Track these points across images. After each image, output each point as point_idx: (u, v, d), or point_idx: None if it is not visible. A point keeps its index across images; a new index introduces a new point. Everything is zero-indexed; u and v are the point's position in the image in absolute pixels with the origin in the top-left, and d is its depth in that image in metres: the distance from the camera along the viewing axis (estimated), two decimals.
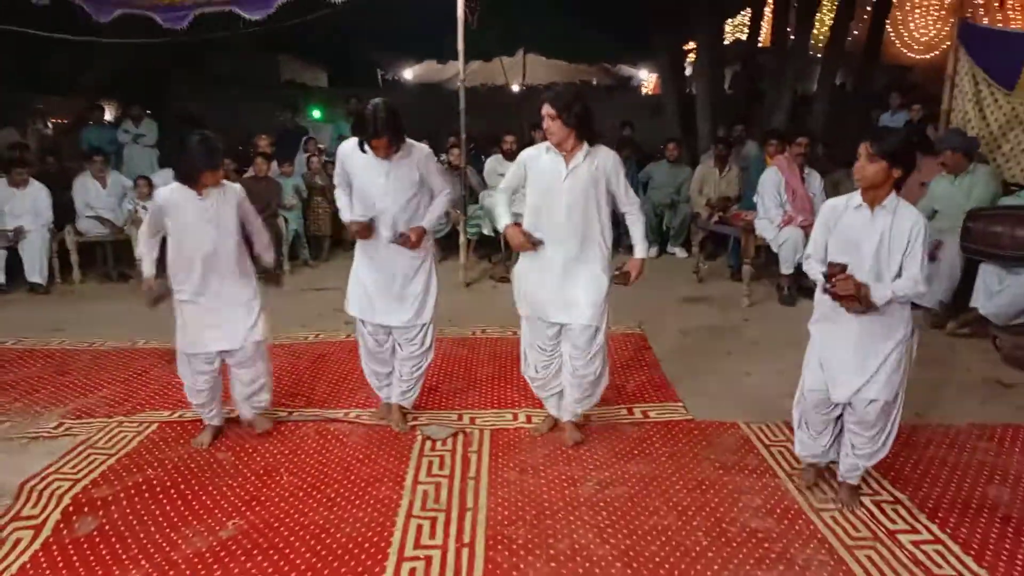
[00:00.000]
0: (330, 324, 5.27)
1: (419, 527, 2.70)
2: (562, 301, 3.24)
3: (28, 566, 2.46)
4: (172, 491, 2.97)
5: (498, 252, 7.43)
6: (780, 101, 9.40)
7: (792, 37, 10.29)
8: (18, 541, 2.59)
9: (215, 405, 3.45)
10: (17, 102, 9.78)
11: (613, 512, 2.79)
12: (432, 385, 4.11)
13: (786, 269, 5.68)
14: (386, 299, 3.44)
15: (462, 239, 6.69)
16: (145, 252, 3.29)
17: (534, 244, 3.21)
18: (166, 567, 2.46)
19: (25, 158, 7.15)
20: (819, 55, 12.09)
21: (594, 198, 3.17)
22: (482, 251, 7.58)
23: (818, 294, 2.79)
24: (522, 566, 2.46)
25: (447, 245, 7.51)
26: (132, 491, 2.96)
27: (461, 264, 6.67)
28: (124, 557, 2.52)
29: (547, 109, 3.07)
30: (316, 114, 12.31)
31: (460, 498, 2.90)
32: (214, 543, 2.60)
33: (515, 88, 14.26)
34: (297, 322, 5.31)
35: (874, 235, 2.58)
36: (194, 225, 3.19)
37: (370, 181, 3.29)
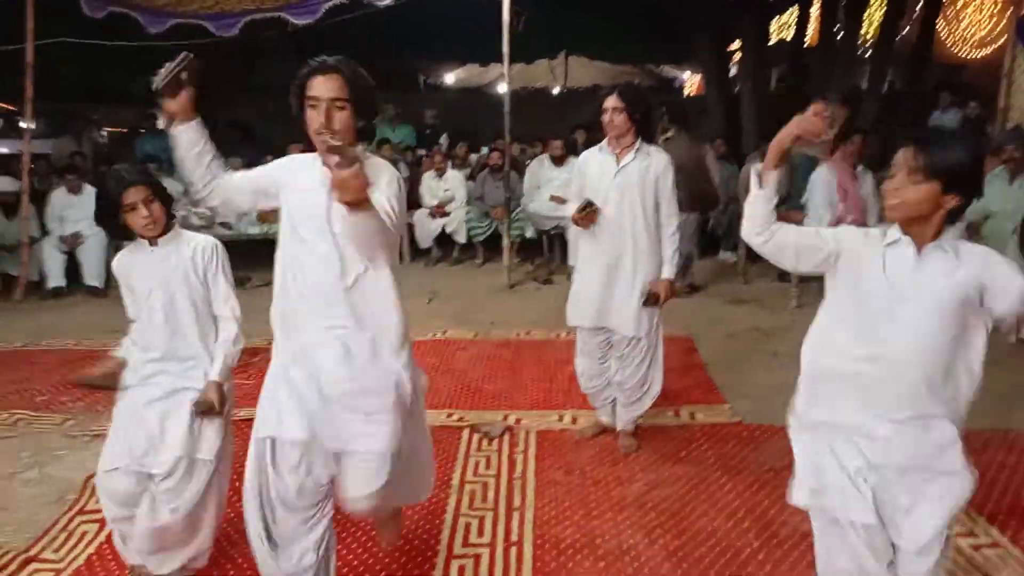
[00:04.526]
0: None
1: (467, 525, 2.73)
2: (606, 307, 3.22)
3: (94, 558, 2.56)
4: None
5: (540, 255, 7.45)
6: (829, 101, 9.23)
7: (840, 36, 10.11)
8: (84, 533, 2.70)
9: None
10: (74, 112, 10.14)
11: (661, 513, 2.78)
12: (477, 386, 4.15)
13: None
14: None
15: (505, 241, 6.72)
16: None
17: (593, 212, 3.15)
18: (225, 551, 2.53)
19: (76, 164, 7.40)
20: (867, 54, 11.86)
21: (642, 198, 3.15)
22: (524, 254, 7.60)
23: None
24: (570, 565, 2.47)
25: (490, 248, 7.57)
26: None
27: (504, 266, 6.69)
28: None
29: (614, 101, 3.07)
30: None
31: (507, 498, 2.92)
32: None
33: (555, 90, 14.29)
34: None
35: (926, 289, 1.68)
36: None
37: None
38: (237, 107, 11.47)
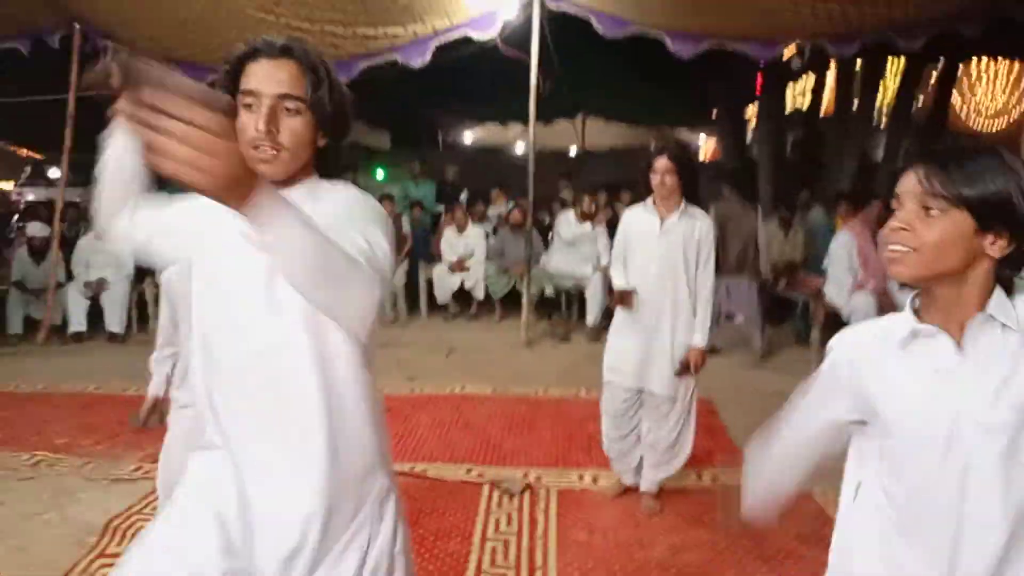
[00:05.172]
0: (392, 380, 5.34)
1: None
2: (644, 366, 3.21)
3: None
4: None
5: (558, 312, 7.47)
6: (844, 168, 9.35)
7: (856, 105, 10.29)
8: None
9: None
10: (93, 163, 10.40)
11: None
12: (495, 442, 4.12)
13: None
14: None
15: (525, 298, 6.76)
16: None
17: (631, 297, 3.23)
18: None
19: None
20: (882, 125, 12.04)
21: (684, 259, 3.15)
22: (542, 311, 7.62)
23: None
24: None
25: (507, 304, 7.61)
26: None
27: (523, 322, 6.71)
28: None
29: (665, 163, 3.10)
30: (380, 175, 12.74)
31: (529, 557, 2.88)
32: None
33: (572, 151, 14.53)
34: None
35: (976, 395, 1.08)
36: None
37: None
38: None
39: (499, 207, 8.86)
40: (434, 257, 7.92)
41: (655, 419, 3.26)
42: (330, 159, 1.37)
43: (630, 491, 3.42)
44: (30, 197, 12.69)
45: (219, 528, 1.31)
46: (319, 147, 1.33)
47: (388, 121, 16.79)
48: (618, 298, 3.28)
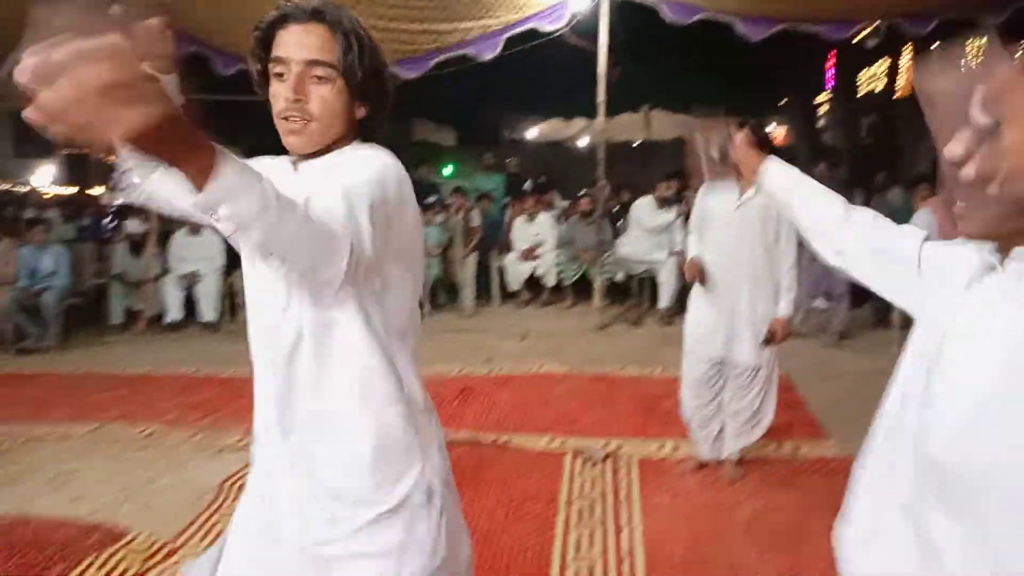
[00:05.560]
0: (470, 362, 5.51)
1: (578, 539, 2.80)
2: (725, 336, 3.27)
3: None
4: None
5: (630, 298, 7.53)
6: (922, 150, 9.11)
7: None
8: (222, 529, 2.90)
9: None
10: None
11: (773, 536, 2.78)
12: (574, 416, 4.24)
13: None
14: None
15: (597, 283, 6.85)
16: None
17: (703, 279, 3.31)
18: None
19: None
20: None
21: (762, 233, 3.20)
22: (613, 296, 7.68)
23: None
24: None
25: (578, 290, 7.71)
26: None
27: (595, 308, 6.80)
28: None
29: (745, 135, 3.17)
30: (447, 171, 13.03)
31: (614, 516, 2.99)
32: None
33: (637, 143, 14.50)
34: (441, 359, 5.59)
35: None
36: None
37: None
38: None
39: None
40: (505, 246, 8.09)
41: (738, 388, 3.32)
42: (372, 132, 1.28)
43: (705, 466, 3.47)
44: (119, 200, 13.42)
45: (258, 509, 1.34)
46: (359, 119, 1.26)
47: (453, 119, 17.24)
48: (689, 268, 3.35)
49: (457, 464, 3.61)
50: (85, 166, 13.44)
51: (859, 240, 1.25)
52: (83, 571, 2.64)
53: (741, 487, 3.25)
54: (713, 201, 3.32)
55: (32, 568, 2.67)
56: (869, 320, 6.50)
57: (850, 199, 1.38)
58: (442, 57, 6.79)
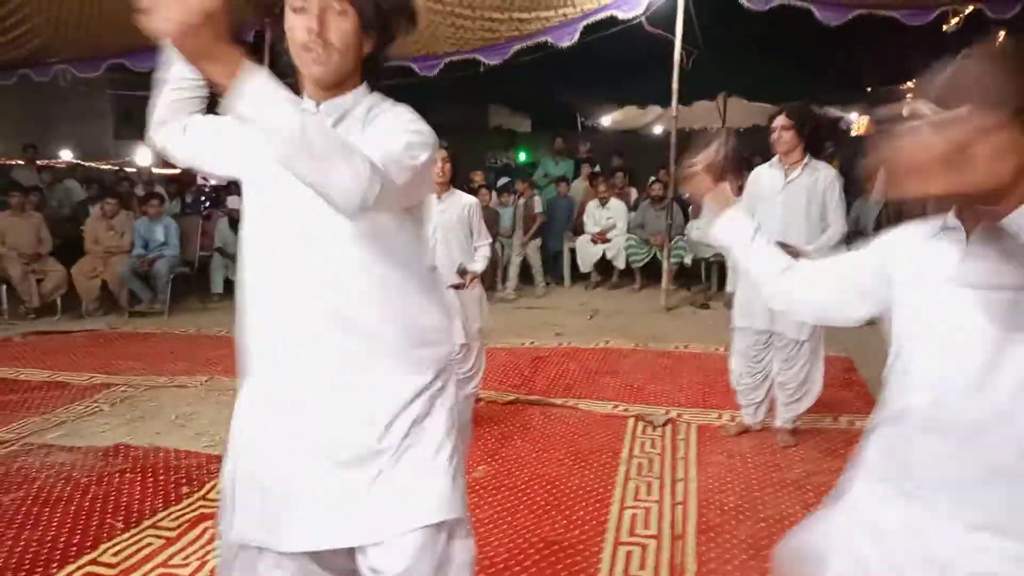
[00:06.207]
0: (541, 335, 5.81)
1: (637, 487, 3.08)
2: (772, 310, 3.48)
3: None
4: None
5: (698, 282, 7.69)
6: None
7: None
8: None
9: None
10: None
11: (820, 493, 2.97)
12: (639, 387, 4.49)
13: None
14: None
15: (665, 266, 7.04)
16: None
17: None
18: None
19: None
20: None
21: (807, 212, 3.40)
22: (681, 280, 7.85)
23: None
24: (733, 522, 2.76)
25: (647, 274, 7.91)
26: None
27: (663, 289, 7.01)
28: None
29: (782, 120, 3.39)
30: (522, 156, 13.33)
31: (672, 470, 3.25)
32: (468, 481, 3.14)
33: (713, 130, 14.45)
34: (512, 332, 5.91)
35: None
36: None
37: None
38: None
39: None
40: (577, 229, 8.36)
41: (784, 359, 3.52)
42: (376, 68, 1.38)
43: (748, 431, 3.67)
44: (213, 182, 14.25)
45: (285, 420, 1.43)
46: (365, 55, 1.34)
47: (528, 106, 17.53)
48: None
49: (527, 421, 3.96)
50: None
51: (807, 275, 1.37)
52: (206, 492, 3.08)
53: (794, 452, 3.46)
54: (762, 182, 3.52)
55: (165, 487, 3.14)
56: None
57: None
58: (522, 44, 7.08)
